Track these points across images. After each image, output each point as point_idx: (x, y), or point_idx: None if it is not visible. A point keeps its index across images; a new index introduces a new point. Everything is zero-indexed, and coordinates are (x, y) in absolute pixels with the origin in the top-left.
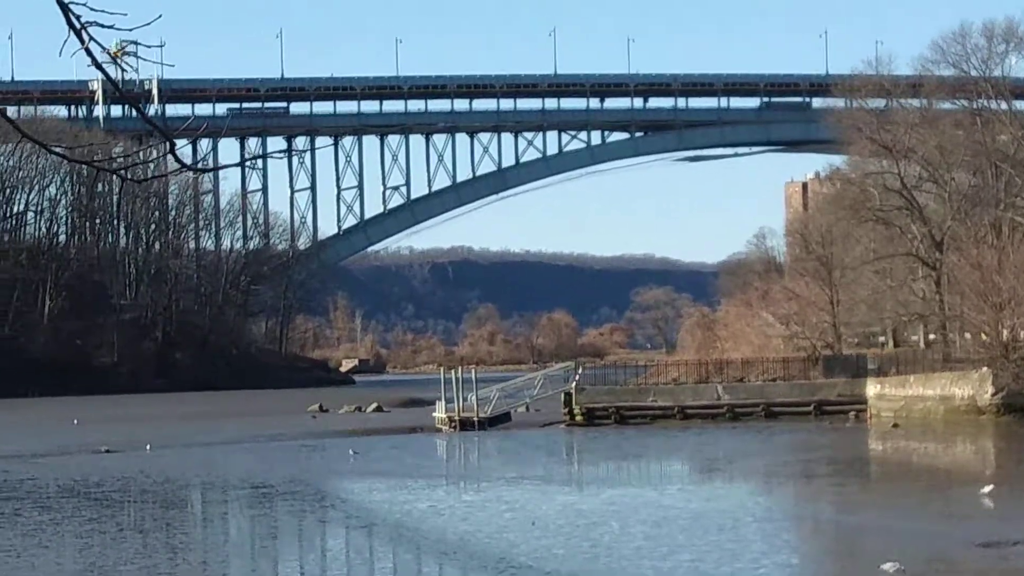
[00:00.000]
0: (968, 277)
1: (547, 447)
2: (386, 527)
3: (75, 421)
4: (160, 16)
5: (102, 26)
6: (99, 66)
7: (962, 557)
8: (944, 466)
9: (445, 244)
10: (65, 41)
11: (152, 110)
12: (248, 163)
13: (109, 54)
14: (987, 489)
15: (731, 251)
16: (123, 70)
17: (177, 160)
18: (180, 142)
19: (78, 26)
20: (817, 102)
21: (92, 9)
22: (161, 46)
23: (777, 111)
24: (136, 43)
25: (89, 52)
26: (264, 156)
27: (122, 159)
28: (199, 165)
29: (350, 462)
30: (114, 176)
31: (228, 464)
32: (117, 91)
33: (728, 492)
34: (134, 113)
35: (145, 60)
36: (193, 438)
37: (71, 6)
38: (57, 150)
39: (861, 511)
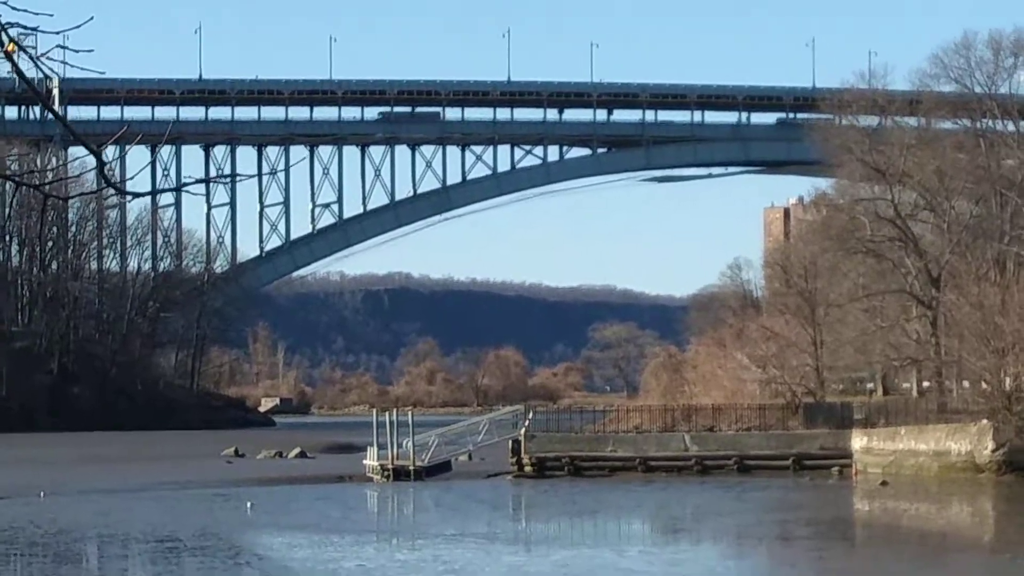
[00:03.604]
0: (968, 318)
1: (492, 501)
2: None
3: None
4: (92, 18)
5: (24, 27)
6: (20, 73)
7: None
8: (938, 530)
9: (381, 270)
10: None
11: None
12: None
13: (15, 61)
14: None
15: (702, 284)
16: (47, 77)
17: (108, 182)
18: (81, 150)
19: None
20: (802, 118)
21: (14, 8)
22: (76, 51)
23: (757, 128)
24: (37, 40)
25: (9, 56)
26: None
27: (48, 174)
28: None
29: (248, 515)
30: (8, 185)
31: (130, 514)
32: (42, 102)
33: (695, 556)
34: (31, 115)
35: (63, 63)
36: (91, 484)
37: None
38: None
39: None
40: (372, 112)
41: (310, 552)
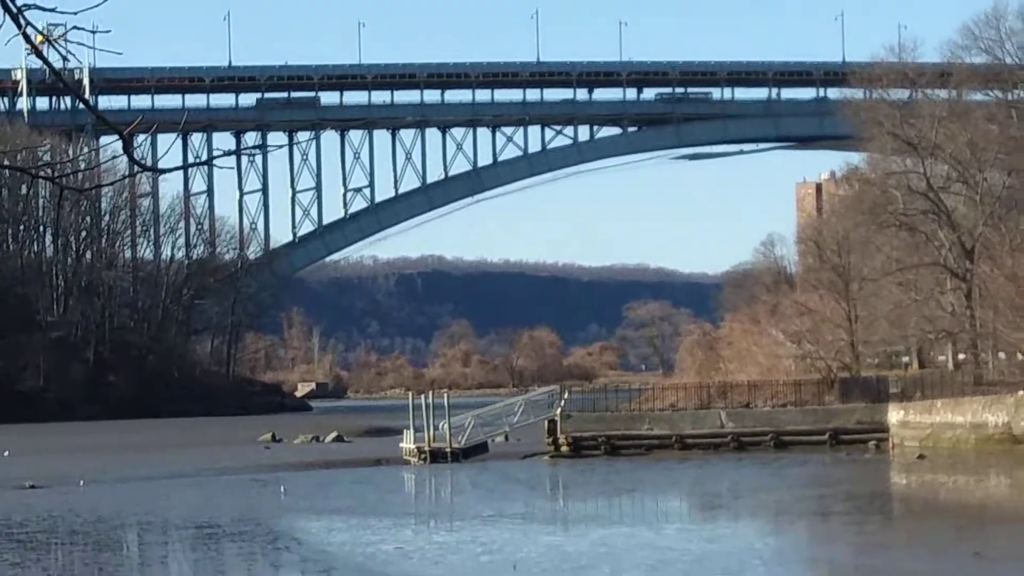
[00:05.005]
0: (1002, 289)
1: (529, 481)
2: (347, 571)
3: (5, 453)
4: None
5: (42, 9)
6: (41, 55)
7: None
8: (976, 502)
9: (414, 253)
10: None
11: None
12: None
13: (32, 41)
14: None
15: (735, 260)
16: (64, 58)
17: (132, 160)
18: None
19: (14, 10)
20: (832, 93)
21: None
22: (95, 32)
23: (787, 103)
24: (67, 26)
25: (28, 38)
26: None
27: (68, 163)
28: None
29: (281, 500)
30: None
31: (169, 501)
32: (62, 83)
33: (733, 532)
34: (63, 106)
35: (82, 44)
36: (129, 472)
37: None
38: None
39: (883, 553)
40: (403, 96)
41: (348, 536)
